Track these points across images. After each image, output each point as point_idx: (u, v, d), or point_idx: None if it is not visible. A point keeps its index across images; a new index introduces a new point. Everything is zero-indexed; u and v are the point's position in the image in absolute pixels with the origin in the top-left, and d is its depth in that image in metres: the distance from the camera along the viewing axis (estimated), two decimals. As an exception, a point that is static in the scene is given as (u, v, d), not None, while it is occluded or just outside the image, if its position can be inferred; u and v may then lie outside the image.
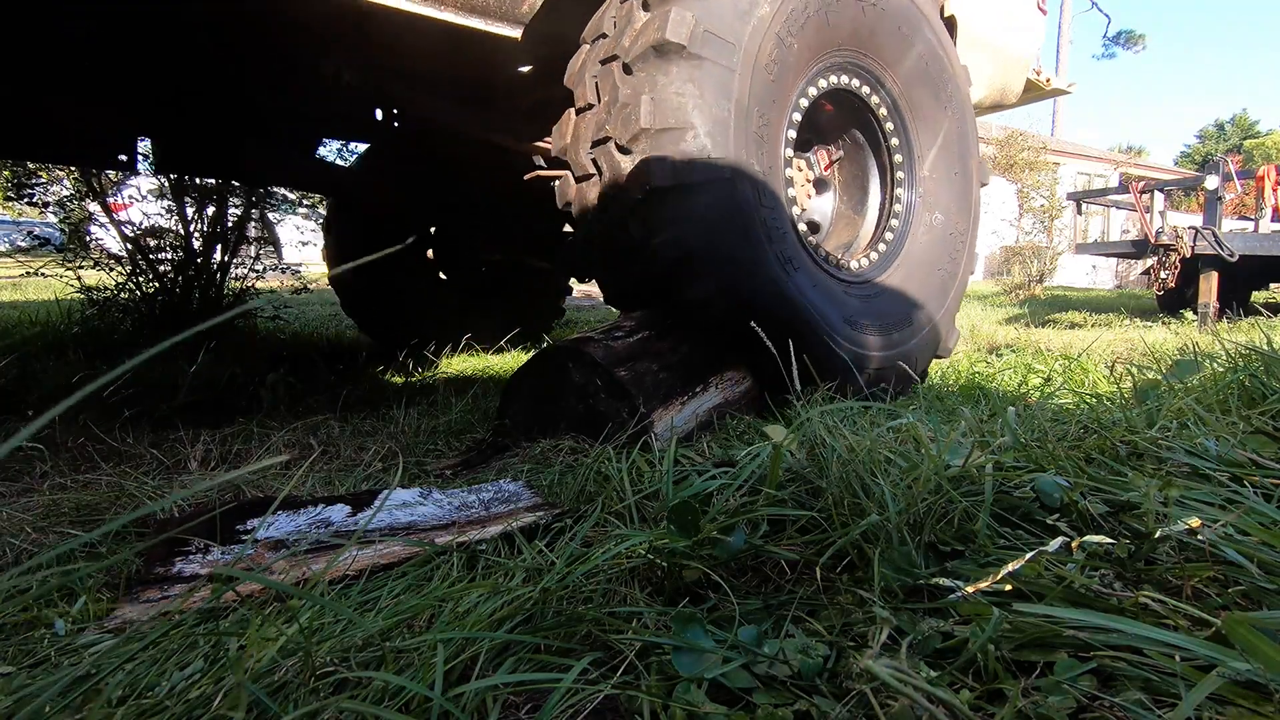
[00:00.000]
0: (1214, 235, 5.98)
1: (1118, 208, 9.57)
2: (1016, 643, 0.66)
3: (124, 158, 3.03)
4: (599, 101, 1.85)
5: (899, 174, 2.37)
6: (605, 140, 1.80)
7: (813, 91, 2.13)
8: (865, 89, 2.27)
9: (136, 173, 3.47)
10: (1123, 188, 7.67)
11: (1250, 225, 9.04)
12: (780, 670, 0.68)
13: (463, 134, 2.81)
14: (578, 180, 1.93)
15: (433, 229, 4.01)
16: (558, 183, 2.03)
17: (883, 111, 2.33)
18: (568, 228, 3.31)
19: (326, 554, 1.00)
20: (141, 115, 2.84)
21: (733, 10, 1.79)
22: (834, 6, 2.04)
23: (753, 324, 1.70)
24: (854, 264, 2.23)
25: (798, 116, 2.08)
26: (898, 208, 2.37)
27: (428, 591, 0.84)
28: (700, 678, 0.66)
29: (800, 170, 2.32)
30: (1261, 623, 0.57)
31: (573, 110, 1.96)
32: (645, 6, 1.81)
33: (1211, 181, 6.71)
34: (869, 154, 2.42)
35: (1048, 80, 3.38)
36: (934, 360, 2.40)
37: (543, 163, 2.84)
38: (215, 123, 2.91)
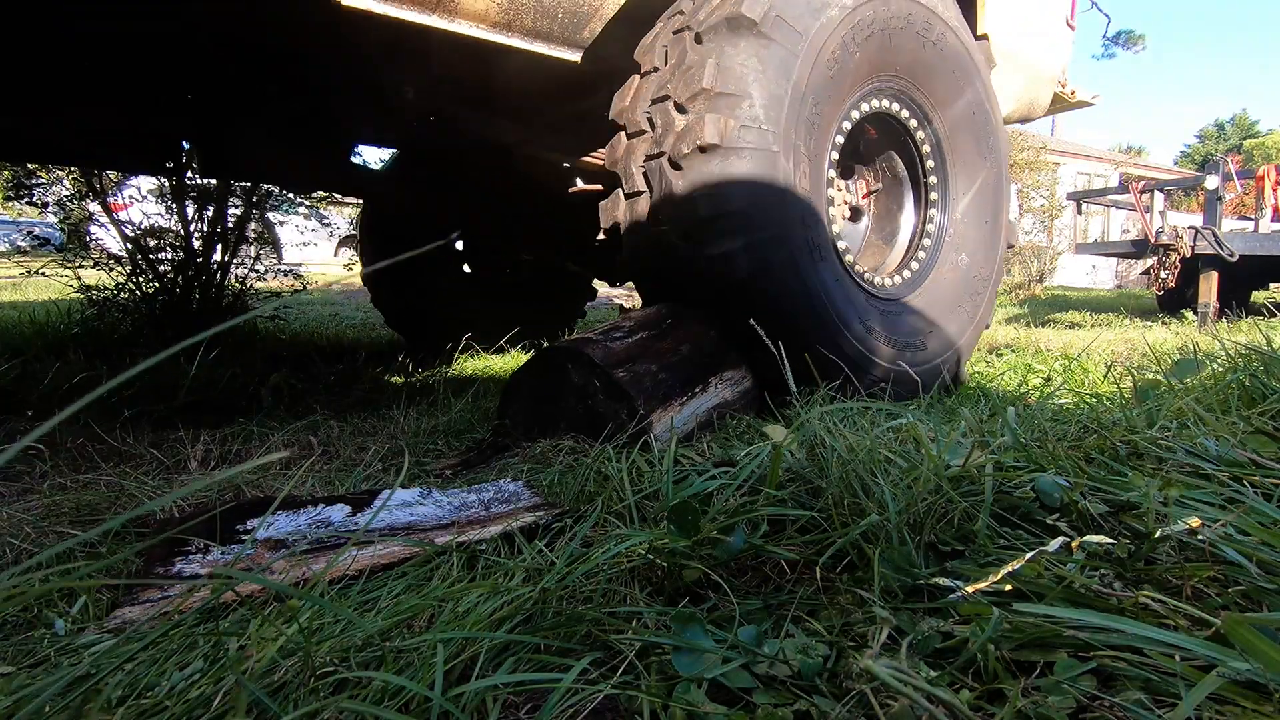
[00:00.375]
0: (1214, 235, 5.98)
1: (1118, 208, 9.57)
2: (1016, 642, 0.66)
3: (170, 164, 3.13)
4: (665, 65, 1.95)
5: (932, 211, 2.45)
6: (664, 98, 1.89)
7: (865, 108, 2.22)
8: (913, 122, 2.37)
9: (184, 176, 3.54)
10: (1123, 188, 7.68)
11: (1250, 225, 9.04)
12: (780, 670, 0.68)
13: (501, 144, 2.88)
14: (629, 137, 1.99)
15: (463, 229, 4.11)
16: (609, 145, 2.10)
17: (926, 148, 2.42)
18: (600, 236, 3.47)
19: (326, 554, 1.00)
20: (187, 122, 2.93)
21: (806, 4, 1.90)
22: (898, 32, 2.15)
23: (752, 322, 1.71)
24: (878, 280, 2.28)
25: (848, 125, 2.16)
26: (927, 241, 2.44)
27: (427, 591, 0.84)
28: (700, 678, 0.66)
29: (840, 190, 2.39)
30: (1261, 622, 0.57)
31: (637, 76, 2.04)
32: None
33: (1211, 181, 6.71)
34: (906, 188, 2.50)
35: (1073, 93, 3.49)
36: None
37: (580, 182, 2.92)
38: (257, 130, 2.99)
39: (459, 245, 4.15)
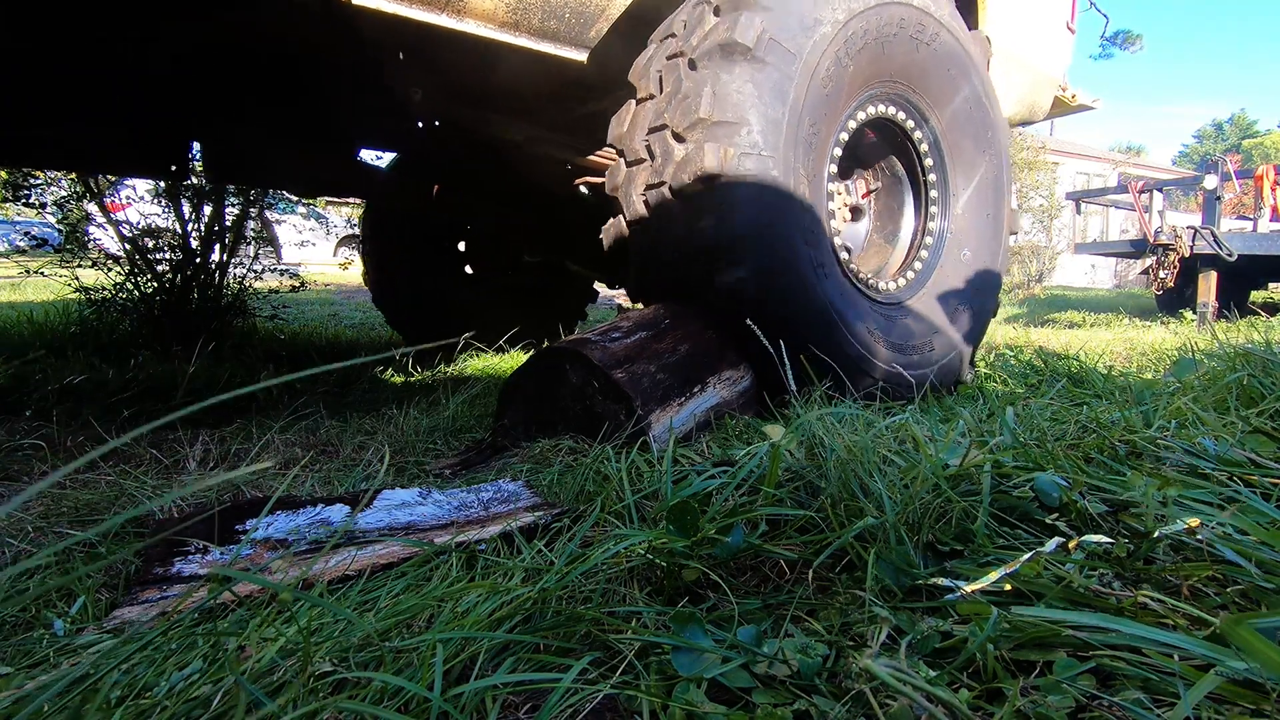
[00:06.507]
0: (1213, 235, 5.99)
1: (1117, 207, 9.57)
2: (1015, 642, 0.66)
3: (175, 168, 3.14)
4: (660, 91, 1.96)
5: (933, 209, 2.47)
6: (662, 127, 1.90)
7: (861, 116, 2.24)
8: (910, 123, 2.38)
9: (186, 179, 3.55)
10: (1122, 187, 7.69)
11: (1249, 225, 9.05)
12: (779, 670, 0.68)
13: (507, 142, 2.89)
14: (629, 165, 2.01)
15: (465, 230, 4.15)
16: (609, 171, 2.12)
17: (924, 147, 2.43)
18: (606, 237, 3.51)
19: (325, 554, 0.99)
20: (194, 126, 2.95)
21: (798, 23, 1.89)
22: (890, 39, 2.16)
23: (749, 322, 1.72)
24: (882, 285, 2.30)
25: (845, 136, 2.18)
26: (929, 239, 2.46)
27: (427, 591, 0.84)
28: (700, 677, 0.66)
29: (840, 194, 2.41)
30: (1259, 621, 0.57)
31: (633, 101, 2.07)
32: (716, 11, 1.89)
33: (1210, 181, 6.72)
34: (906, 187, 2.52)
35: (1073, 96, 3.52)
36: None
37: (584, 190, 2.96)
38: (262, 133, 3.01)
39: (461, 246, 4.16)
